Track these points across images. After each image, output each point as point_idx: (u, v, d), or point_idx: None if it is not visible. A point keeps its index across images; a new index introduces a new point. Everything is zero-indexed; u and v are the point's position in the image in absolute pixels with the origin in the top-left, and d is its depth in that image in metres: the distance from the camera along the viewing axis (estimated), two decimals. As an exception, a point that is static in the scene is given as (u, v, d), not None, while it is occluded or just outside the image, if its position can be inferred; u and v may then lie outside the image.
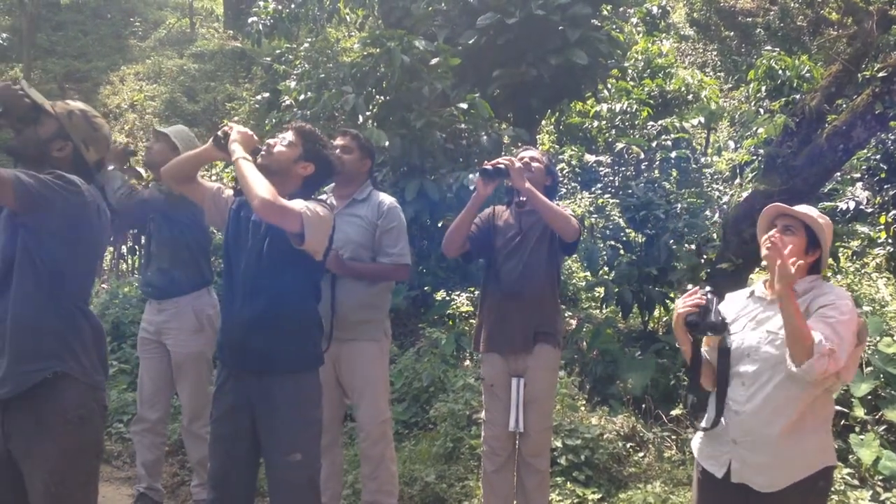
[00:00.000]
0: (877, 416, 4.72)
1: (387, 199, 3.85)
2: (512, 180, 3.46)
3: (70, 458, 2.52)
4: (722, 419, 2.65)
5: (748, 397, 2.57)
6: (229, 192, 3.17)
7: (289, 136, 3.01)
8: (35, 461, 2.49)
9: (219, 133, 2.96)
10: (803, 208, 2.65)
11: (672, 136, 9.89)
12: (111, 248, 8.07)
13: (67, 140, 2.68)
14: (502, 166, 3.46)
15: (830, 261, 7.17)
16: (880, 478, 4.37)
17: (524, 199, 3.58)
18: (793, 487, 2.55)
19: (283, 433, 2.91)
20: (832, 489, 4.06)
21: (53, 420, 2.49)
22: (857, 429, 4.67)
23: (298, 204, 2.79)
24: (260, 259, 2.90)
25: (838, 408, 4.73)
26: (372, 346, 3.76)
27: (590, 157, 10.92)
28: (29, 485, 2.51)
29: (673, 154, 9.21)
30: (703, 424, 2.77)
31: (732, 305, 2.76)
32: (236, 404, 2.94)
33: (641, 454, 4.65)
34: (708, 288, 2.71)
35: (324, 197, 3.93)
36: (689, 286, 5.44)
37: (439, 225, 6.69)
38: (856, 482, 4.33)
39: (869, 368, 4.91)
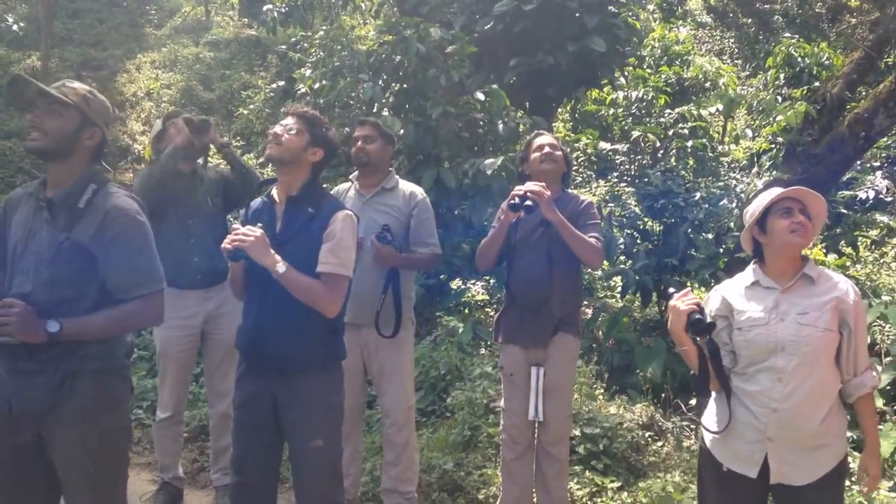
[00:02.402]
0: (896, 407, 4.69)
1: (417, 189, 3.92)
2: (542, 212, 3.41)
3: (107, 440, 2.58)
4: (752, 417, 2.57)
5: (788, 393, 2.50)
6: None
7: (292, 122, 2.94)
8: (74, 445, 2.51)
9: None
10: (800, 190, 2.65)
11: (689, 124, 9.83)
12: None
13: (95, 126, 2.61)
14: (531, 203, 3.36)
15: (850, 250, 7.12)
16: (900, 468, 4.34)
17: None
18: (825, 477, 2.55)
19: (306, 420, 2.92)
20: (852, 479, 4.06)
21: (91, 404, 2.53)
22: (875, 418, 4.63)
23: (338, 265, 2.84)
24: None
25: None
26: (401, 332, 3.80)
27: (605, 145, 10.87)
28: (64, 471, 2.54)
29: (689, 143, 9.16)
30: (715, 428, 2.69)
31: (732, 295, 2.69)
32: (260, 393, 2.95)
33: (660, 443, 4.64)
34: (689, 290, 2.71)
35: (346, 186, 3.94)
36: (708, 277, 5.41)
37: (455, 213, 6.69)
38: (875, 472, 4.30)
39: (888, 359, 4.88)
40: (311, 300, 2.83)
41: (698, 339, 2.63)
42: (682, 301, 2.61)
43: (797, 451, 2.54)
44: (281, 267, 2.75)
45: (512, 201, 3.42)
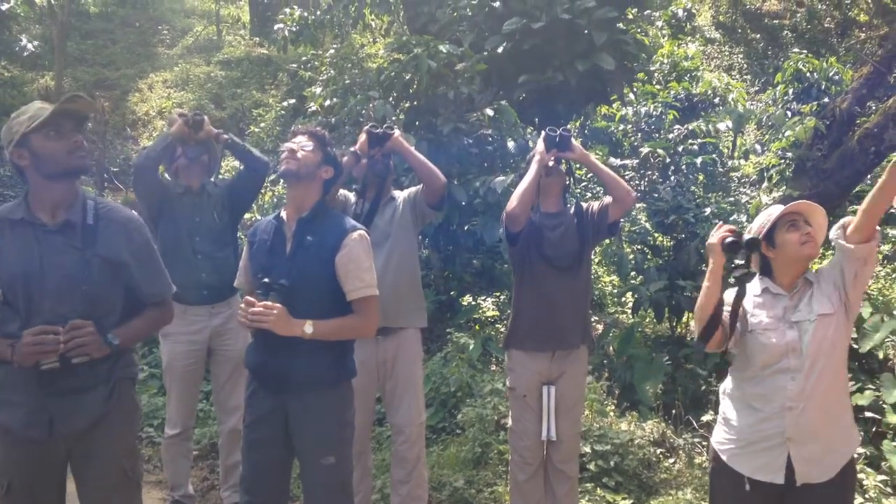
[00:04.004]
0: (911, 423, 4.64)
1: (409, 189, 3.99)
2: (573, 149, 3.50)
3: (135, 443, 2.78)
4: (767, 422, 2.60)
5: (800, 392, 2.57)
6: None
7: (305, 140, 2.98)
8: (115, 450, 2.62)
9: None
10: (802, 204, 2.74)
11: (699, 140, 9.82)
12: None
13: None
14: (567, 133, 3.45)
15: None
16: (915, 485, 4.30)
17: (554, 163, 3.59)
18: (841, 471, 2.61)
19: (318, 437, 2.93)
20: (865, 496, 4.02)
21: (130, 409, 2.71)
22: (889, 435, 4.60)
23: (365, 287, 2.90)
24: (296, 283, 2.86)
25: (871, 415, 4.67)
26: (416, 334, 3.85)
27: (614, 161, 10.85)
28: (101, 478, 2.62)
29: (699, 159, 9.14)
30: (731, 444, 2.71)
31: (746, 300, 2.74)
32: (271, 411, 2.95)
33: (672, 460, 4.62)
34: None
35: (347, 193, 3.96)
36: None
37: (465, 229, 6.70)
38: (889, 490, 4.26)
39: (902, 374, 4.84)
40: (349, 336, 2.96)
41: (740, 256, 2.65)
42: (716, 232, 2.72)
43: (815, 448, 2.58)
44: (308, 328, 2.79)
45: (550, 135, 3.47)
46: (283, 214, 3.02)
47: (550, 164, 3.58)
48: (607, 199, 3.62)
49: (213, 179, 4.24)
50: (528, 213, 3.57)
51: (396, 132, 3.72)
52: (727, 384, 2.83)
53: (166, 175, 4.32)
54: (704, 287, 2.70)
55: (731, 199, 7.61)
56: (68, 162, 2.53)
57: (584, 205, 3.70)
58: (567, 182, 3.78)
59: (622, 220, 7.49)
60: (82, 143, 2.55)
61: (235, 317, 3.93)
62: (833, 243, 2.64)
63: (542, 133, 3.54)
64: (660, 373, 5.55)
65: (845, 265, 2.61)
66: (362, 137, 3.73)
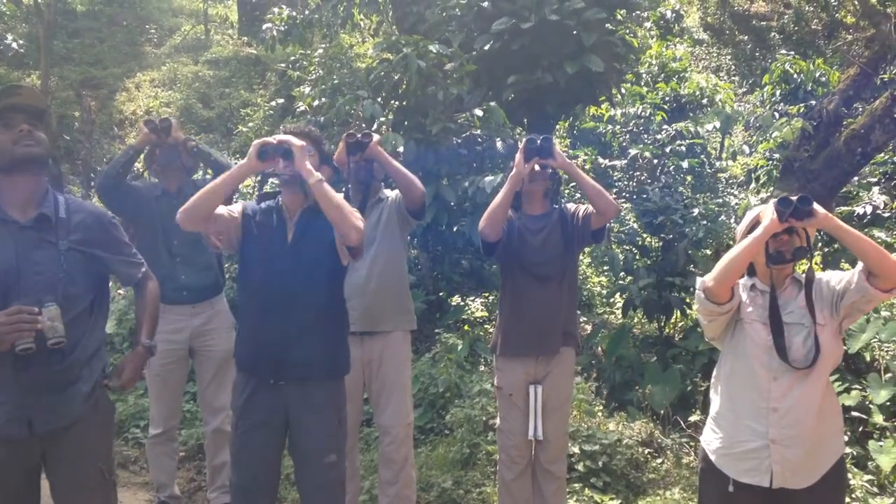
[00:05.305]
0: (896, 423, 4.68)
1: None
2: (555, 157, 3.45)
3: (111, 444, 2.80)
4: (752, 421, 2.60)
5: (784, 392, 2.55)
6: (234, 206, 3.10)
7: (301, 142, 2.93)
8: (89, 450, 2.63)
9: (273, 143, 2.81)
10: None
11: (686, 140, 9.86)
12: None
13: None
14: (549, 142, 3.42)
15: (848, 266, 7.13)
16: (901, 485, 4.32)
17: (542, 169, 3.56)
18: (826, 476, 2.58)
19: (322, 436, 2.94)
20: (852, 496, 4.04)
21: (108, 410, 2.76)
22: (876, 435, 4.62)
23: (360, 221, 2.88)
24: (297, 270, 2.89)
25: (857, 414, 4.70)
26: (405, 336, 3.84)
27: (603, 161, 10.87)
28: (79, 480, 2.62)
29: (685, 162, 9.18)
30: (718, 444, 2.70)
31: (741, 289, 2.74)
32: (271, 415, 2.95)
33: (660, 460, 4.63)
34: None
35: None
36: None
37: (455, 230, 6.70)
38: (875, 489, 4.29)
39: (888, 375, 4.87)
40: (342, 217, 2.78)
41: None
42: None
43: (798, 451, 2.55)
44: (318, 175, 2.79)
45: (529, 147, 3.43)
46: (283, 204, 3.05)
47: (537, 168, 3.56)
48: (592, 207, 3.61)
49: (195, 178, 4.23)
50: (500, 231, 3.54)
51: (375, 137, 3.68)
52: (715, 382, 2.82)
53: (151, 177, 4.29)
54: (746, 247, 2.55)
55: (719, 200, 7.64)
56: (13, 151, 2.48)
57: (572, 207, 3.68)
58: (551, 184, 3.76)
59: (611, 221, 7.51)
60: (29, 131, 2.49)
61: (218, 317, 3.98)
62: (854, 280, 2.55)
63: (522, 142, 3.51)
64: (675, 380, 5.47)
65: (857, 300, 2.55)
66: (340, 146, 3.70)
